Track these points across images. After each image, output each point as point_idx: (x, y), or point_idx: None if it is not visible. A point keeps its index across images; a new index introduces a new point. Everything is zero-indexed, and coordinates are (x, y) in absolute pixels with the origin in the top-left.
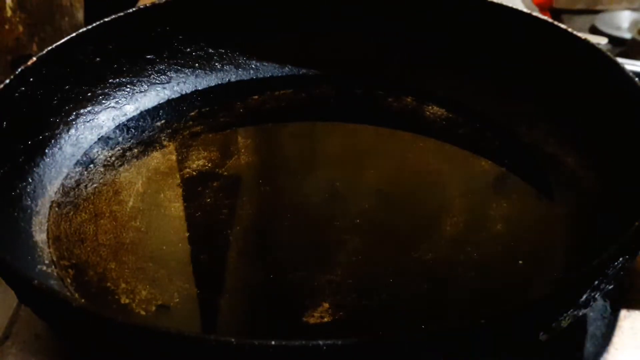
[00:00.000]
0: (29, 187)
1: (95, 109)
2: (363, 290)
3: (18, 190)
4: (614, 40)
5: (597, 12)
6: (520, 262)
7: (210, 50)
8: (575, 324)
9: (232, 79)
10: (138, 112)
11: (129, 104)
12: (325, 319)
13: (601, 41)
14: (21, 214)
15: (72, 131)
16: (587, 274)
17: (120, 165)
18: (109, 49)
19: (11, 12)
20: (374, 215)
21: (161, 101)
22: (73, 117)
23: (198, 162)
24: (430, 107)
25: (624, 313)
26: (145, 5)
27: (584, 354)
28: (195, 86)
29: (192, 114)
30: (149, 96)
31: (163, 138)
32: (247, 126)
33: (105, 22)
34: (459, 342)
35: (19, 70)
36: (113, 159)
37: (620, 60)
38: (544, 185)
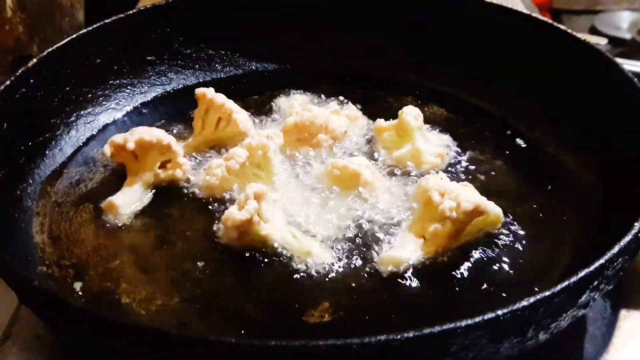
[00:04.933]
0: (29, 188)
1: (96, 110)
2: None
3: (19, 192)
4: (613, 41)
5: (596, 12)
6: (520, 261)
7: (211, 52)
8: (575, 324)
9: (233, 80)
10: (138, 112)
11: (129, 105)
12: (325, 319)
13: (601, 41)
14: (22, 215)
15: (73, 132)
16: (587, 274)
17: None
18: (110, 50)
19: (11, 12)
20: (368, 214)
21: (161, 102)
22: (74, 118)
23: (199, 160)
24: (430, 107)
25: (623, 313)
26: (146, 6)
27: (584, 354)
28: (196, 87)
29: (193, 113)
30: (149, 97)
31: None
32: (247, 123)
33: (105, 23)
34: (458, 341)
35: (20, 71)
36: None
37: (619, 60)
38: (544, 185)
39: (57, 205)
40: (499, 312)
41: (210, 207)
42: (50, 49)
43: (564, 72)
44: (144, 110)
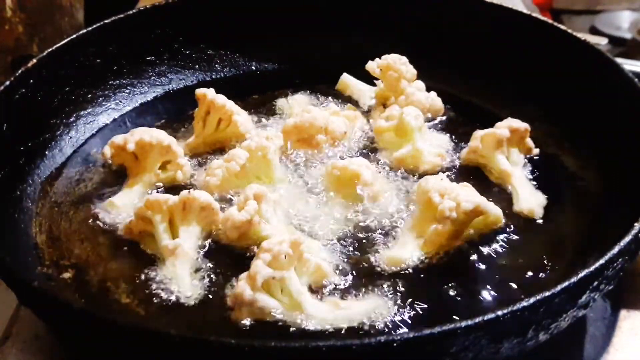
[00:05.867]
0: (29, 188)
1: (96, 110)
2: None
3: (19, 192)
4: (614, 40)
5: (597, 12)
6: (520, 261)
7: (210, 52)
8: (575, 325)
9: (233, 80)
10: (138, 113)
11: (129, 105)
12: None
13: (601, 41)
14: (22, 216)
15: (73, 132)
16: (587, 274)
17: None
18: (110, 50)
19: (11, 12)
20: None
21: (161, 102)
22: (73, 118)
23: (199, 161)
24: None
25: (624, 313)
26: (146, 6)
27: (584, 354)
28: (196, 87)
29: (192, 113)
30: (149, 97)
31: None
32: (247, 124)
33: (105, 23)
34: (458, 342)
35: (20, 71)
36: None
37: (620, 60)
38: (544, 185)
39: (57, 206)
40: (499, 313)
41: None
42: (50, 49)
43: (564, 72)
44: (144, 111)
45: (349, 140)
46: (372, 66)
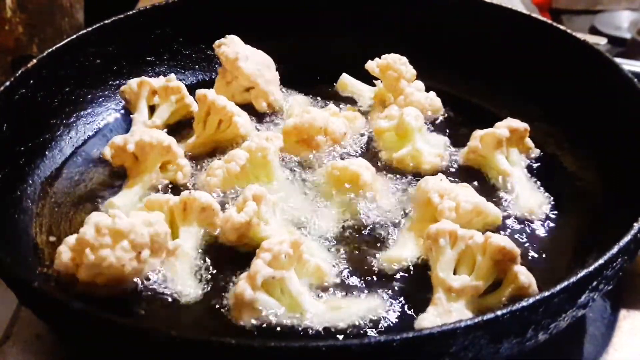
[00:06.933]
0: (29, 188)
1: (96, 111)
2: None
3: (19, 192)
4: (613, 40)
5: (596, 12)
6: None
7: (210, 52)
8: (575, 324)
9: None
10: None
11: None
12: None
13: (600, 41)
14: (22, 216)
15: (73, 133)
16: (586, 274)
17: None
18: (110, 50)
19: (11, 12)
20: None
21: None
22: (74, 118)
23: (199, 161)
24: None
25: (623, 313)
26: (146, 7)
27: (583, 353)
28: (196, 87)
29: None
30: None
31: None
32: (247, 125)
33: (105, 23)
34: (457, 342)
35: (20, 72)
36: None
37: (619, 60)
38: (544, 185)
39: (57, 206)
40: (499, 313)
41: None
42: (50, 50)
43: (564, 72)
44: None
45: (349, 141)
46: (371, 66)
